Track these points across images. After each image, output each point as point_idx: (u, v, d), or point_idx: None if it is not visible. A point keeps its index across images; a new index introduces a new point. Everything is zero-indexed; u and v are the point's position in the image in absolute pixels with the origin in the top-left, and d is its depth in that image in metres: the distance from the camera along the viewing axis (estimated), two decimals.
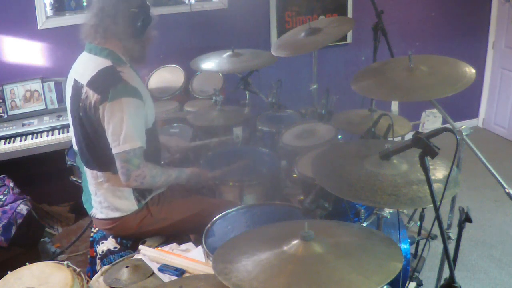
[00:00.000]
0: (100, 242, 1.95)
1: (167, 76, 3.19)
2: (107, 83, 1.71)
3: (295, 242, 1.13)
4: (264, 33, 3.60)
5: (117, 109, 1.69)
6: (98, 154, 1.81)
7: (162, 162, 2.10)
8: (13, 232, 2.45)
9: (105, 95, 1.69)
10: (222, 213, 1.76)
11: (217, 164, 2.23)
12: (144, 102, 1.78)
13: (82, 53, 1.86)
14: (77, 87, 1.78)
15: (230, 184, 2.11)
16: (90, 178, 1.88)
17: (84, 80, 1.76)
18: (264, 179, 2.14)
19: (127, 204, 1.87)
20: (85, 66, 1.80)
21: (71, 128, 1.89)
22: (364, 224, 1.76)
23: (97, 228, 2.03)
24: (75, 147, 1.91)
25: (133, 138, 1.71)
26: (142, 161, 1.76)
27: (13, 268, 1.41)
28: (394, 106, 4.10)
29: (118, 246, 1.92)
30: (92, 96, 1.72)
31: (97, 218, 1.92)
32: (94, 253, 1.98)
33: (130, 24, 1.76)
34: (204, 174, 2.05)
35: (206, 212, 1.88)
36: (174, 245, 1.71)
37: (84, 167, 1.89)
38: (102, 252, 1.91)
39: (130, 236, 1.93)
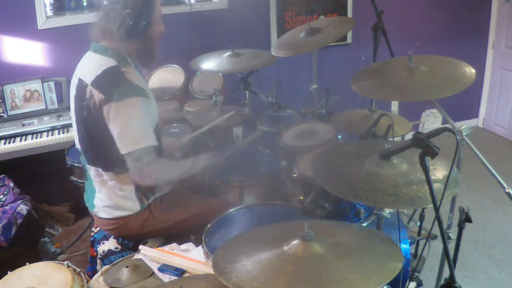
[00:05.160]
0: (101, 242, 1.95)
1: (167, 76, 3.19)
2: (112, 83, 1.71)
3: (295, 242, 1.13)
4: (264, 33, 3.60)
5: (123, 109, 1.68)
6: (102, 153, 1.80)
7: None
8: (13, 232, 2.45)
9: (109, 95, 1.69)
10: (222, 213, 1.76)
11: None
12: (150, 101, 1.79)
13: (87, 52, 1.85)
14: (81, 86, 1.78)
15: (230, 184, 2.11)
16: (94, 176, 1.88)
17: (88, 79, 1.75)
18: (264, 179, 2.14)
19: (130, 204, 1.86)
20: (90, 65, 1.80)
21: (74, 127, 1.89)
22: (364, 224, 1.76)
23: (98, 228, 2.03)
24: (78, 145, 1.91)
25: (142, 137, 1.71)
26: (153, 158, 1.76)
27: (13, 268, 1.41)
28: (394, 106, 4.10)
29: (119, 247, 1.92)
30: (97, 96, 1.71)
31: (100, 217, 1.92)
32: (95, 253, 1.98)
33: (125, 25, 1.72)
34: (219, 155, 2.02)
35: (206, 212, 1.88)
36: (174, 245, 1.71)
37: (88, 165, 1.89)
38: (103, 252, 1.90)
39: (132, 237, 1.93)
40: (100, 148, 1.79)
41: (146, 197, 1.89)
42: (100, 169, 1.84)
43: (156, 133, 1.85)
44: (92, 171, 1.88)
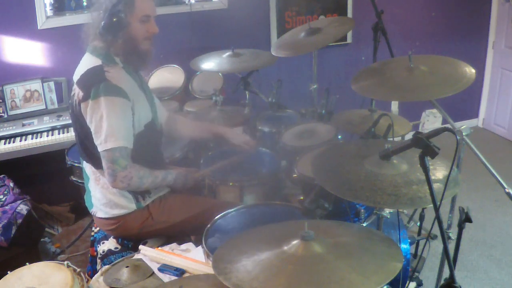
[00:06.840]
0: (101, 242, 1.95)
1: (167, 76, 3.19)
2: (90, 82, 1.74)
3: (295, 242, 1.13)
4: (264, 33, 3.60)
5: (97, 107, 1.70)
6: (90, 151, 1.82)
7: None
8: (13, 232, 2.45)
9: (87, 93, 1.72)
10: (222, 213, 1.76)
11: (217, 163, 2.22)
12: (132, 103, 1.77)
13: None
14: (71, 85, 1.84)
15: (230, 184, 2.11)
16: (90, 173, 1.90)
17: (76, 78, 1.81)
18: (264, 179, 2.13)
19: (125, 201, 1.86)
20: (80, 65, 1.84)
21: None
22: (364, 224, 1.76)
23: (98, 228, 2.03)
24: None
25: (115, 137, 1.70)
26: (129, 161, 1.75)
27: (13, 268, 1.41)
28: (394, 106, 4.10)
29: (119, 247, 1.92)
30: (78, 94, 1.75)
31: (98, 217, 1.92)
32: (95, 253, 1.98)
33: (101, 25, 1.75)
34: (191, 174, 2.03)
35: (206, 213, 1.88)
36: (174, 245, 1.71)
37: (84, 162, 1.91)
38: (103, 252, 1.90)
39: (131, 237, 1.93)
40: (88, 146, 1.81)
41: (142, 197, 1.89)
42: (92, 167, 1.86)
43: (145, 137, 1.86)
44: (87, 168, 1.90)
